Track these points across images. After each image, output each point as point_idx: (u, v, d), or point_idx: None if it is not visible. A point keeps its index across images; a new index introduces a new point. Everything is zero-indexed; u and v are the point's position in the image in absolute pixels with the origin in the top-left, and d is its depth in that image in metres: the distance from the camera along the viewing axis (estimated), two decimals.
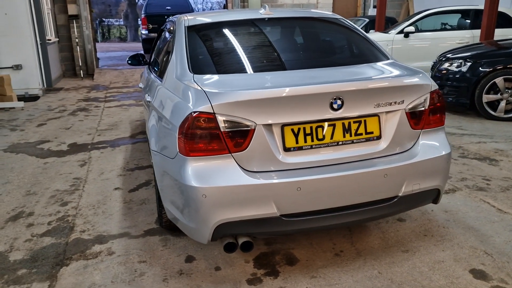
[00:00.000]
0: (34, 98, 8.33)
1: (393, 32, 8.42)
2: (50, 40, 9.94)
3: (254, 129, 2.07)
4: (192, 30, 2.84)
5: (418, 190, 2.34)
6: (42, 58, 8.91)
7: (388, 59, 2.74)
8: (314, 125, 2.17)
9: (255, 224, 2.14)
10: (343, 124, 2.21)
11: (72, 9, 11.15)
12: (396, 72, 2.48)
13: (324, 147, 2.20)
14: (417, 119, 2.35)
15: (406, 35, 8.19)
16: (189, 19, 3.00)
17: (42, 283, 2.40)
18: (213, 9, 19.48)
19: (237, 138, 2.08)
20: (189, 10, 15.73)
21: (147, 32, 15.50)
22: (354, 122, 2.23)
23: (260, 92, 2.09)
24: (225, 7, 14.34)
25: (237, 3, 12.40)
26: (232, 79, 2.36)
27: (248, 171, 2.12)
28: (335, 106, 2.14)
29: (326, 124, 2.19)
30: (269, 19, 3.00)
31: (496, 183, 3.55)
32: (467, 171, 3.84)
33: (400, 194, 2.30)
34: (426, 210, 3.10)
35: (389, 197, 2.29)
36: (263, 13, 3.03)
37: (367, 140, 2.27)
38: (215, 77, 2.38)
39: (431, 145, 2.41)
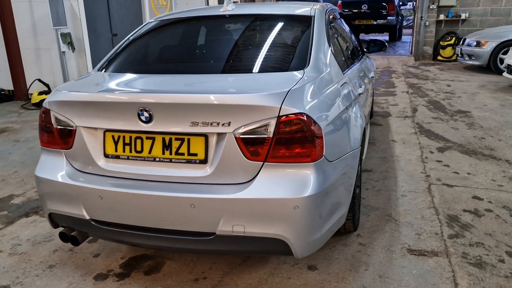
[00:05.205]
0: None
1: None
2: None
3: (75, 130, 2.12)
4: (152, 26, 2.94)
5: (243, 234, 1.91)
6: None
7: (301, 69, 2.21)
8: (133, 136, 2.05)
9: (74, 222, 2.22)
10: (163, 140, 2.00)
11: None
12: (247, 86, 2.06)
13: (140, 160, 2.05)
14: (256, 148, 1.89)
15: None
16: (163, 15, 3.10)
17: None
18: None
19: (65, 136, 2.17)
20: None
21: None
22: (176, 139, 1.98)
23: (73, 94, 2.12)
24: None
25: None
26: (103, 78, 2.41)
27: (75, 169, 2.19)
28: (142, 118, 1.96)
29: (144, 136, 2.03)
30: (222, 16, 2.81)
31: None
32: (501, 235, 2.67)
33: (217, 232, 1.93)
34: (359, 267, 2.40)
35: (204, 232, 1.96)
36: (222, 10, 2.85)
37: (188, 162, 1.98)
38: (100, 75, 2.48)
39: (276, 183, 1.89)
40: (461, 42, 9.61)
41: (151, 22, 2.98)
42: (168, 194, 1.94)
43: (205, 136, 1.94)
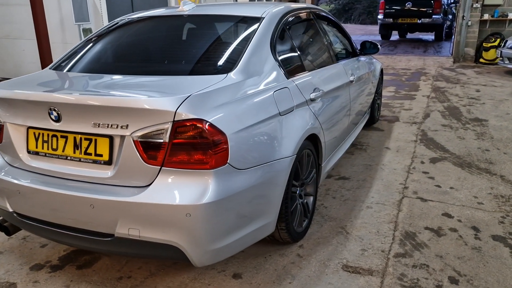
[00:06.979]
0: None
1: None
2: None
3: (3, 125, 2.21)
4: (110, 26, 2.99)
5: (138, 238, 1.90)
6: None
7: (225, 73, 2.16)
8: (50, 134, 2.10)
9: (3, 214, 2.31)
10: (74, 139, 2.03)
11: None
12: (155, 89, 2.05)
13: (55, 158, 2.10)
14: (154, 152, 1.87)
15: None
16: (125, 15, 3.14)
17: None
18: None
19: None
20: None
21: (382, 16, 14.86)
22: (85, 139, 2.01)
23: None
24: None
25: None
26: (43, 76, 2.48)
27: (6, 163, 2.29)
28: (52, 117, 2.00)
29: (59, 135, 2.07)
30: (176, 16, 2.80)
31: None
32: (453, 258, 2.46)
33: (115, 234, 1.94)
34: (284, 279, 2.31)
35: (104, 233, 1.97)
36: (179, 10, 2.85)
37: (95, 162, 2.00)
38: (46, 73, 2.55)
39: (172, 189, 1.86)
40: (503, 44, 8.94)
41: (112, 22, 3.03)
42: (71, 193, 1.98)
43: (111, 137, 1.95)
